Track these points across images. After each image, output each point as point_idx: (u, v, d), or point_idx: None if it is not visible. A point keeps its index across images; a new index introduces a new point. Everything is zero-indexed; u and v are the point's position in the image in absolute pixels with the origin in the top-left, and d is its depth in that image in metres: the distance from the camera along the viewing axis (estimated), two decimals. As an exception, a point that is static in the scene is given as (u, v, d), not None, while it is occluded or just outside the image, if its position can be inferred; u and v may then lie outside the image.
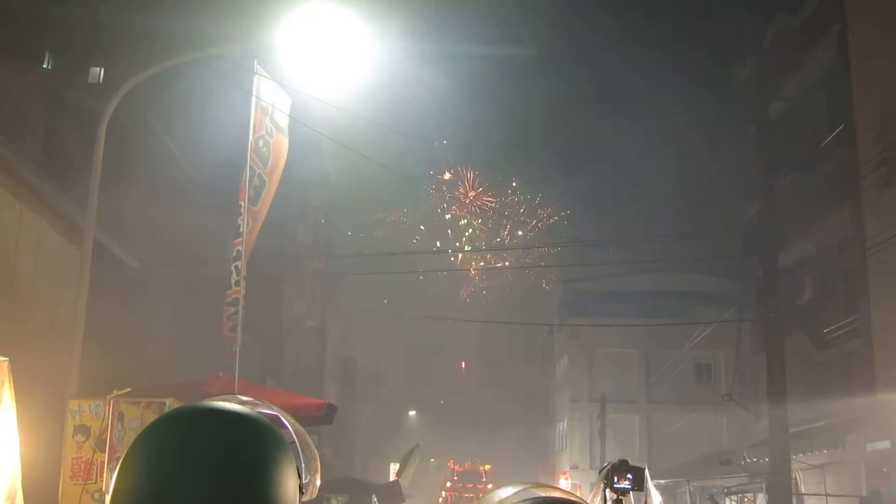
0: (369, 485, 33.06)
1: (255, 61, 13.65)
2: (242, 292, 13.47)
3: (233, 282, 13.41)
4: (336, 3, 12.75)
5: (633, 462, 5.12)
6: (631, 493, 5.09)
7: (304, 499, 1.57)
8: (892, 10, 23.08)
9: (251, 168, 13.70)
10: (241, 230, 13.46)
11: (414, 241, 45.95)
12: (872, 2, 23.90)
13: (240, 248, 13.55)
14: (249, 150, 13.56)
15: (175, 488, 1.38)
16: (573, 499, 3.81)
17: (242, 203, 13.53)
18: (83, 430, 11.01)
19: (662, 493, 36.81)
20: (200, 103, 19.62)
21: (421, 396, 75.86)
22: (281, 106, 14.39)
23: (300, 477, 1.53)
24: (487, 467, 52.47)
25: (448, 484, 50.54)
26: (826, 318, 24.97)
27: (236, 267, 13.46)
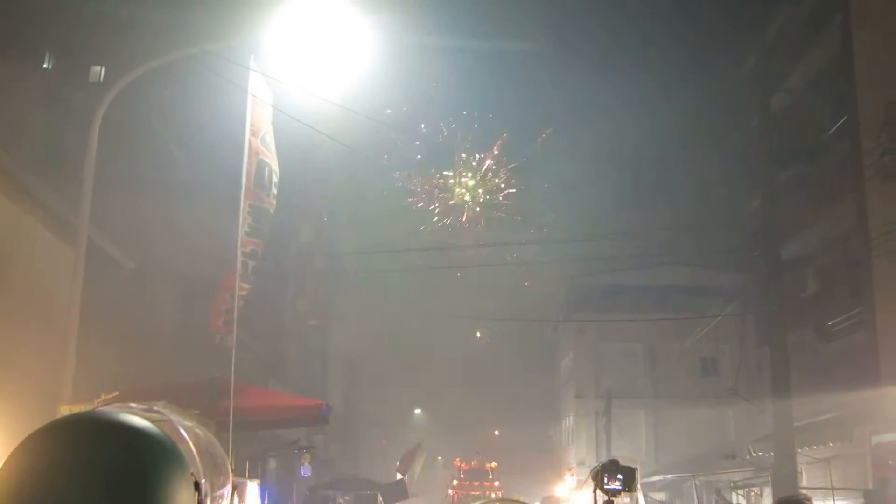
0: (374, 483, 33.03)
1: (252, 57, 13.51)
2: (248, 286, 13.42)
3: (239, 277, 13.24)
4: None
5: (624, 462, 5.01)
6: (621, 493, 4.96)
7: None
8: (894, 1, 22.95)
9: (262, 161, 13.62)
10: (245, 227, 13.32)
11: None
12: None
13: (253, 247, 13.48)
14: (247, 146, 13.39)
15: (55, 501, 1.30)
16: None
17: (254, 203, 13.45)
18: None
19: (668, 489, 36.72)
20: (197, 99, 19.50)
21: (426, 394, 75.79)
22: (269, 101, 14.27)
23: (198, 488, 1.44)
24: (494, 464, 52.20)
25: (454, 482, 50.28)
26: (830, 311, 24.82)
27: (244, 263, 13.34)
